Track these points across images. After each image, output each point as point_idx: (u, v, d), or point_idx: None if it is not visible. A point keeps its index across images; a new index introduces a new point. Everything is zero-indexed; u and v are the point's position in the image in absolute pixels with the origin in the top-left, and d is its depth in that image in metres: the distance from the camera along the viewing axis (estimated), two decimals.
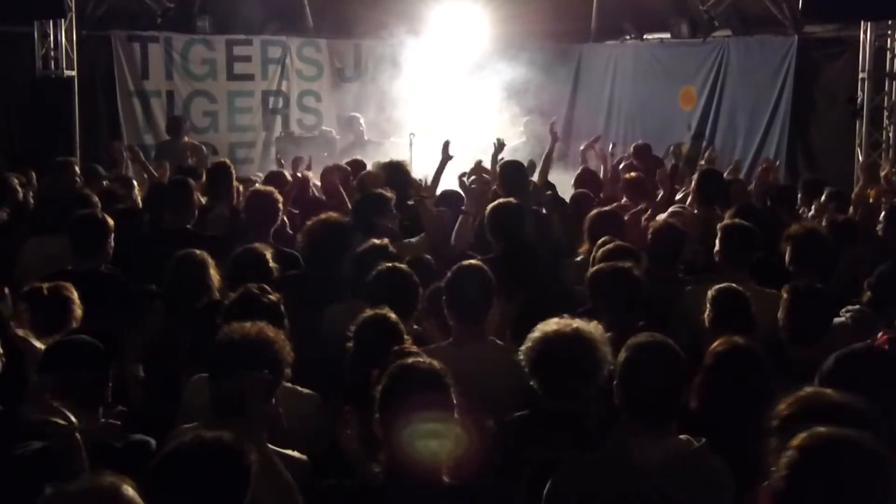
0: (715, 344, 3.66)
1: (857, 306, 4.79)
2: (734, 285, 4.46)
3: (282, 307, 3.96)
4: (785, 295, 4.33)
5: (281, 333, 3.31)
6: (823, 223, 6.37)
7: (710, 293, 4.38)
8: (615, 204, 7.17)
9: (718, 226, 5.51)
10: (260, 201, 5.96)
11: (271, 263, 4.73)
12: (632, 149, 10.19)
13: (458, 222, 6.15)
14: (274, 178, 7.61)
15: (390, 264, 4.46)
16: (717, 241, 5.29)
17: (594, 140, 9.81)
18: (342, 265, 5.13)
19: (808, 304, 4.26)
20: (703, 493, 2.93)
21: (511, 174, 6.83)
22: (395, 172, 7.03)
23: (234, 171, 7.10)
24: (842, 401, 2.69)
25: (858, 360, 3.34)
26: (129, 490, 2.14)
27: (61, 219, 5.80)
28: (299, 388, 3.61)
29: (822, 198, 7.32)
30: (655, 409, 3.00)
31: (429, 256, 5.24)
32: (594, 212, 6.11)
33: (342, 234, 5.27)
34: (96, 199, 6.36)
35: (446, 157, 7.37)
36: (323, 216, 5.41)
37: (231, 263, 4.71)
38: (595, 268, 4.63)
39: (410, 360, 2.98)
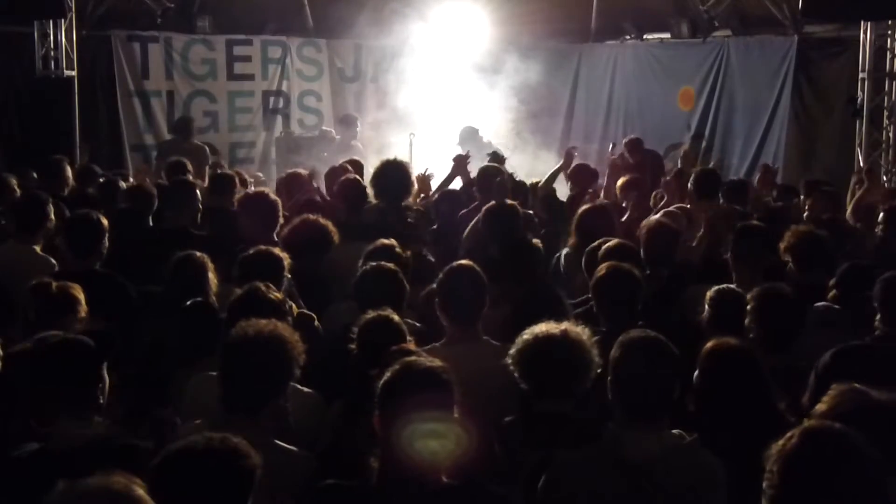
0: (709, 345, 3.66)
1: (823, 303, 4.79)
2: (732, 287, 4.46)
3: (286, 306, 3.99)
4: (751, 301, 4.23)
5: (296, 333, 3.31)
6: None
7: (708, 294, 4.38)
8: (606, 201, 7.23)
9: (737, 227, 5.47)
10: (256, 204, 5.93)
11: (286, 265, 4.73)
12: (624, 144, 10.22)
13: (473, 221, 6.19)
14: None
15: (374, 263, 4.47)
16: (731, 243, 5.29)
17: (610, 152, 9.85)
18: (321, 264, 5.32)
19: (775, 309, 4.18)
20: (697, 487, 2.95)
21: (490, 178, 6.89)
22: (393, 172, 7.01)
23: (236, 180, 7.14)
24: (883, 400, 2.68)
25: (855, 356, 3.34)
26: (140, 490, 2.15)
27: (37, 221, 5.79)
28: (298, 387, 3.61)
29: (811, 197, 7.38)
30: (648, 404, 3.03)
31: (423, 251, 5.27)
32: (584, 208, 6.13)
33: (321, 235, 5.41)
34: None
35: (456, 173, 7.43)
36: (301, 217, 5.58)
37: (241, 264, 4.69)
38: (598, 269, 4.62)
39: (412, 358, 2.99)
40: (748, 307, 4.24)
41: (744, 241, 5.24)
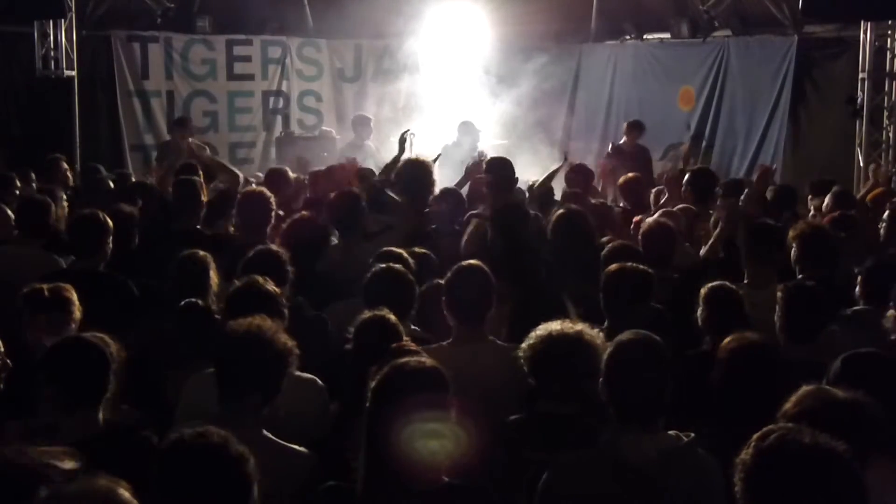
0: (727, 341, 3.65)
1: (853, 308, 4.79)
2: (726, 283, 4.45)
3: (283, 300, 4.00)
4: (779, 294, 4.29)
5: (281, 327, 3.31)
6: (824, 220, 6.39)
7: (702, 291, 4.37)
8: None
9: (753, 226, 5.45)
10: (253, 202, 5.96)
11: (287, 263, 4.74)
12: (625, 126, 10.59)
13: (470, 226, 6.15)
14: (274, 176, 7.64)
15: (385, 265, 4.46)
16: (745, 243, 5.27)
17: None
18: (317, 263, 5.34)
19: (802, 303, 4.22)
20: (696, 488, 2.94)
21: (499, 170, 6.87)
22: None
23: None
24: (845, 398, 2.68)
25: (865, 362, 3.32)
26: (125, 493, 2.12)
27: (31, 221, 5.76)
28: (297, 373, 3.56)
29: (827, 198, 7.34)
30: (641, 406, 3.01)
31: (426, 251, 5.24)
32: (559, 212, 6.11)
33: (315, 233, 5.46)
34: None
35: (402, 152, 7.39)
36: (296, 217, 5.68)
37: (245, 263, 4.68)
38: (607, 269, 4.59)
39: (403, 359, 2.95)
40: (778, 300, 4.26)
41: (759, 240, 5.23)
